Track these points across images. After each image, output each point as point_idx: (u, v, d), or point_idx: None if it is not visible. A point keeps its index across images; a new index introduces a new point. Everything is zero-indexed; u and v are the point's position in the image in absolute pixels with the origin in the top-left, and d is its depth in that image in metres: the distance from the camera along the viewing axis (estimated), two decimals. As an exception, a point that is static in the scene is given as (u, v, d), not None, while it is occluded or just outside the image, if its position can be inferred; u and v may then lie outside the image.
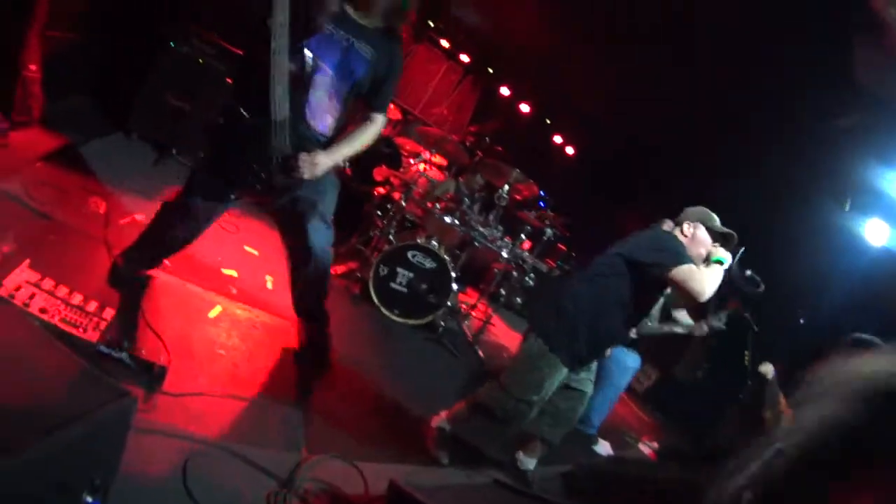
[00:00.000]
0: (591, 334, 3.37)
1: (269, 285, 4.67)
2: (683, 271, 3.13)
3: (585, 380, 3.62)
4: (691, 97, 6.50)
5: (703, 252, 3.39)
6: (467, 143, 7.65)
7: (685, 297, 3.20)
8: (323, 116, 3.03)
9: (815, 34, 4.39)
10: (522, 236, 6.25)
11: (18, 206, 3.72)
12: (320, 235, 3.32)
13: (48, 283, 2.95)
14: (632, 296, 3.36)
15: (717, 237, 3.44)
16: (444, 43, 9.26)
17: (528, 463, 3.89)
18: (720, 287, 3.24)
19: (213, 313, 3.82)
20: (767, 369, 4.67)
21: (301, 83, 2.82)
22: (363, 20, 2.98)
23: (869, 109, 4.52)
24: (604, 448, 5.45)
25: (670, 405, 8.46)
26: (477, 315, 6.53)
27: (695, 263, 3.22)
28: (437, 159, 6.74)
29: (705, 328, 4.85)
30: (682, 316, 4.91)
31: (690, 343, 7.81)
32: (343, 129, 3.18)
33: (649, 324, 4.77)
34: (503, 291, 6.37)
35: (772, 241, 6.74)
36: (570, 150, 10.54)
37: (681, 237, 3.43)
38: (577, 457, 4.75)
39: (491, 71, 9.74)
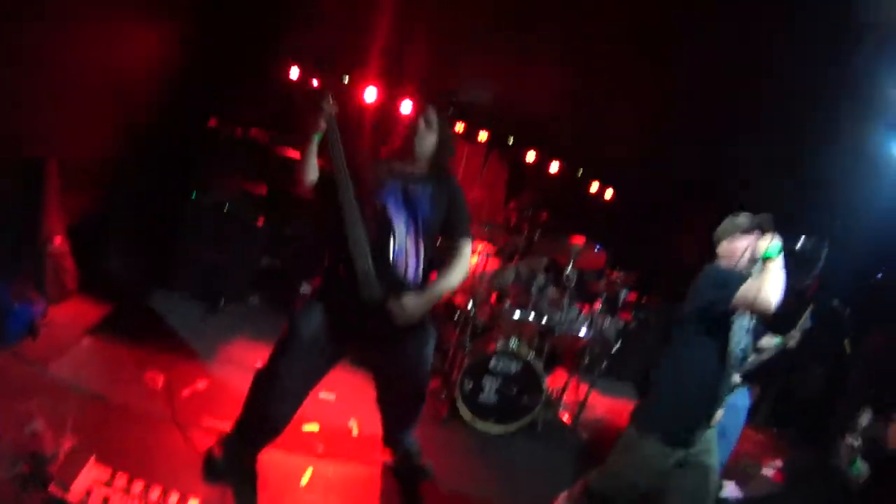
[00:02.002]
0: (684, 407, 3.18)
1: (355, 431, 4.26)
2: (743, 293, 2.89)
3: (702, 451, 3.29)
4: (709, 96, 6.39)
5: (748, 257, 3.15)
6: (512, 223, 7.34)
7: (760, 315, 3.05)
8: (408, 260, 3.05)
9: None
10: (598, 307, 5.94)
11: (71, 391, 3.46)
12: (414, 388, 3.28)
13: (121, 480, 2.71)
14: (709, 351, 3.15)
15: (753, 230, 3.21)
16: (459, 127, 9.00)
17: None
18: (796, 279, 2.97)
19: (305, 479, 3.47)
20: None
21: (380, 232, 2.95)
22: (410, 168, 3.14)
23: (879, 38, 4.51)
24: (730, 490, 5.23)
25: (779, 414, 8.06)
26: (571, 397, 6.09)
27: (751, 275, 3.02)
28: (485, 247, 6.42)
29: (797, 335, 4.50)
30: (768, 341, 4.52)
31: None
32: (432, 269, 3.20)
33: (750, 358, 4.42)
34: (588, 359, 5.95)
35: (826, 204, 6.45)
36: (608, 194, 10.27)
37: (722, 262, 3.28)
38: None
39: (512, 141, 9.45)
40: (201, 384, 4.11)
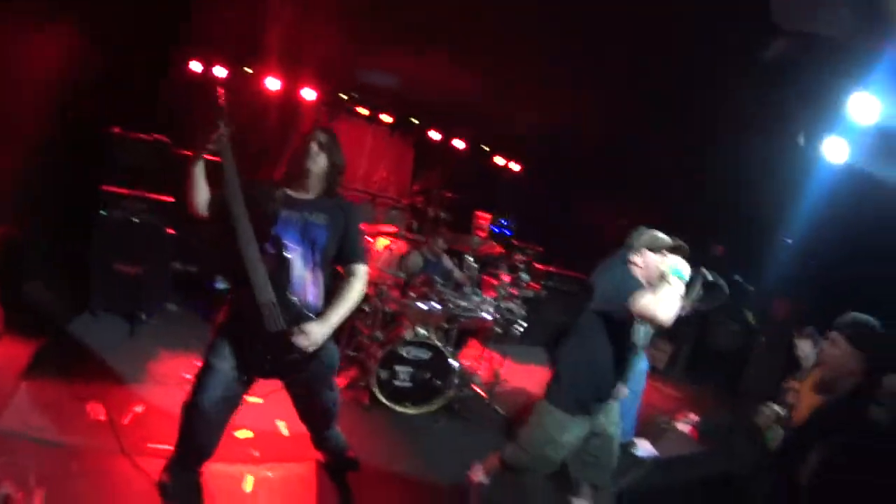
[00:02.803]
0: (589, 384, 3.48)
1: (285, 431, 4.59)
2: (642, 304, 3.07)
3: (608, 423, 3.70)
4: (617, 79, 6.55)
5: (657, 274, 3.31)
6: (418, 206, 7.56)
7: (654, 326, 3.28)
8: (307, 289, 3.17)
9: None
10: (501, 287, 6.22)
11: (26, 442, 3.63)
12: (328, 401, 3.49)
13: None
14: (615, 337, 3.44)
15: (669, 252, 3.43)
16: (363, 111, 9.13)
17: None
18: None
19: (248, 486, 3.78)
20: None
21: (278, 264, 3.05)
22: (305, 196, 3.26)
23: (790, 39, 4.67)
24: (643, 448, 5.50)
25: (695, 370, 8.72)
26: (485, 372, 6.47)
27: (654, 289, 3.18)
28: (392, 233, 6.68)
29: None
30: None
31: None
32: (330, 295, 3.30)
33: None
34: (499, 330, 6.24)
35: (737, 182, 6.90)
36: (515, 167, 10.68)
37: (635, 269, 3.46)
38: (621, 475, 4.65)
39: (416, 121, 9.63)
40: (139, 409, 4.35)
